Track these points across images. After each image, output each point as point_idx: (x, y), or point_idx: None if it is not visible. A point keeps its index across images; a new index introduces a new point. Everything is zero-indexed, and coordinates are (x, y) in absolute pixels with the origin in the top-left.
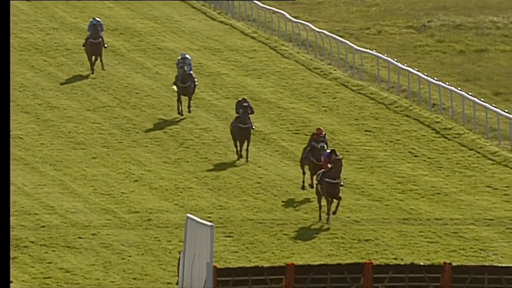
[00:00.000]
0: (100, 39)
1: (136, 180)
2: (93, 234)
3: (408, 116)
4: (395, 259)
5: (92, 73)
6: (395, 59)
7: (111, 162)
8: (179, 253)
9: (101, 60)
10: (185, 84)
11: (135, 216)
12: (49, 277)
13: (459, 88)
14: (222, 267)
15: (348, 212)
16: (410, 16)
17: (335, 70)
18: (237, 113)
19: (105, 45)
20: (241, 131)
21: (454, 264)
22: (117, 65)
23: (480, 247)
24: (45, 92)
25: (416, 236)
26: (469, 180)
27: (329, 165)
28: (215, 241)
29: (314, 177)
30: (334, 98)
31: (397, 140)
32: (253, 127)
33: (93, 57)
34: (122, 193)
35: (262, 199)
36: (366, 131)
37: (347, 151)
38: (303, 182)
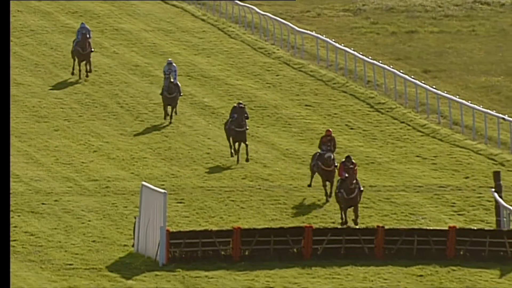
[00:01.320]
0: (88, 48)
1: (95, 151)
2: (55, 200)
3: (345, 92)
4: (333, 223)
5: (73, 74)
6: (333, 40)
7: (72, 134)
8: (135, 218)
9: (90, 65)
10: (171, 95)
11: (94, 184)
12: (14, 240)
13: (391, 66)
14: (174, 230)
15: (290, 180)
16: (347, 0)
17: (278, 49)
18: (231, 117)
19: (92, 49)
20: (235, 134)
21: (386, 227)
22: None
23: (410, 212)
24: (12, 70)
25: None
26: (400, 150)
27: (346, 174)
28: (168, 207)
29: (328, 183)
30: (277, 75)
31: (335, 114)
32: (247, 128)
33: (82, 63)
34: (82, 162)
35: (211, 168)
36: (306, 105)
37: (289, 124)
38: (311, 180)
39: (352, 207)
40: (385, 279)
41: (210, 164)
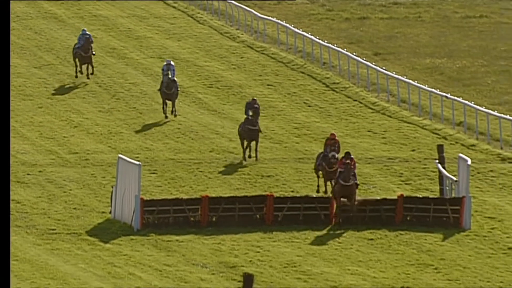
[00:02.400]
0: (90, 51)
1: (75, 126)
2: (40, 171)
3: (303, 72)
4: (292, 191)
5: (77, 76)
6: (292, 25)
7: (54, 111)
8: (112, 187)
9: (92, 67)
10: (170, 91)
11: (75, 156)
12: None
13: (345, 49)
14: (148, 198)
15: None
16: None
17: (242, 34)
18: (246, 114)
19: (94, 53)
20: (249, 133)
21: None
22: (59, 30)
23: (362, 182)
24: None
25: (310, 173)
26: (353, 126)
27: (341, 170)
28: (142, 177)
29: (328, 182)
30: (241, 57)
31: (294, 92)
32: (261, 130)
33: (84, 66)
34: (64, 137)
35: (182, 142)
36: (268, 85)
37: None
38: (318, 186)
39: (347, 197)
40: (340, 243)
41: (181, 138)
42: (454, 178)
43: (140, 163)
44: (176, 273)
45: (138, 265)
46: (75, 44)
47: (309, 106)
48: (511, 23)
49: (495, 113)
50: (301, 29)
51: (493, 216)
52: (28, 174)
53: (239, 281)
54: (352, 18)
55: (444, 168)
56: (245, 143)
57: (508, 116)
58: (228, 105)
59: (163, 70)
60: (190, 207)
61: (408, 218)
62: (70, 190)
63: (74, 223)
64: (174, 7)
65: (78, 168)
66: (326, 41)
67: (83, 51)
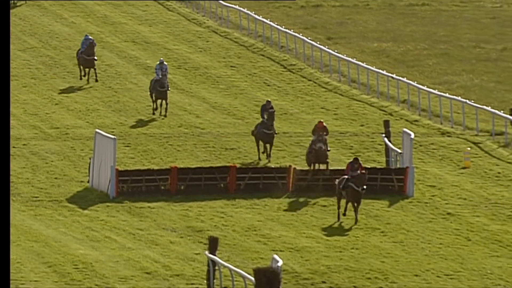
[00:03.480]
0: (92, 56)
1: (56, 104)
2: (24, 144)
3: (263, 55)
4: (252, 163)
5: (82, 79)
6: (253, 12)
7: (37, 90)
8: (90, 159)
9: (95, 72)
10: (163, 89)
11: (56, 131)
12: None
13: (301, 34)
14: (122, 169)
15: (218, 128)
16: None
17: (207, 20)
18: (262, 117)
19: (96, 58)
20: (265, 136)
21: (296, 167)
22: (42, 16)
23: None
24: None
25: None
26: (308, 103)
27: (351, 172)
28: (117, 150)
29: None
30: (207, 41)
31: (255, 73)
32: (276, 132)
33: (87, 69)
34: (46, 113)
35: (153, 118)
36: (231, 66)
37: (217, 82)
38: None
39: (356, 202)
40: (296, 209)
41: (152, 115)
42: (399, 151)
43: (115, 137)
44: (148, 236)
45: (113, 229)
46: (79, 50)
47: (268, 85)
48: (449, 11)
49: (436, 91)
50: (261, 16)
51: (434, 184)
52: (13, 147)
53: (205, 244)
54: (307, 6)
55: (390, 141)
56: (261, 145)
57: (447, 95)
58: (195, 84)
59: (156, 69)
60: (161, 177)
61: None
62: (52, 161)
63: (55, 191)
64: None
65: (59, 142)
66: (283, 27)
67: (86, 55)
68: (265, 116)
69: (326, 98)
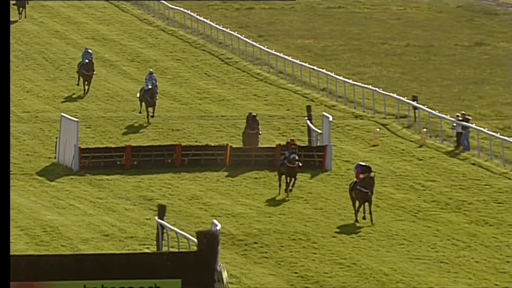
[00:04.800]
0: (91, 71)
1: (28, 91)
2: None
3: (203, 50)
4: (196, 141)
5: (78, 84)
6: (195, 13)
7: (11, 80)
8: (56, 138)
9: (89, 84)
10: (153, 100)
11: (28, 114)
12: None
13: (236, 32)
14: (84, 147)
15: (166, 112)
16: None
17: (157, 20)
18: (247, 123)
19: (94, 72)
20: (250, 137)
21: (233, 146)
22: (15, 16)
23: None
24: None
25: (209, 127)
26: (242, 91)
27: (361, 176)
28: (80, 131)
29: (291, 179)
30: (156, 38)
31: (197, 65)
32: (260, 132)
33: (85, 83)
34: (19, 99)
35: (110, 104)
36: (177, 59)
37: (165, 73)
38: (282, 184)
39: (367, 202)
40: (232, 181)
41: (109, 100)
42: (319, 131)
43: (78, 120)
44: (106, 204)
45: (76, 198)
46: (79, 63)
47: (209, 76)
48: (361, 12)
49: (350, 81)
50: (202, 17)
51: (349, 160)
52: None
53: (155, 211)
54: (241, 8)
55: (311, 123)
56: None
57: (359, 84)
58: (146, 74)
59: (146, 80)
60: (117, 154)
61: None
62: (24, 140)
63: (27, 166)
64: None
65: (30, 124)
66: (221, 26)
67: (85, 70)
68: (250, 121)
69: (257, 87)
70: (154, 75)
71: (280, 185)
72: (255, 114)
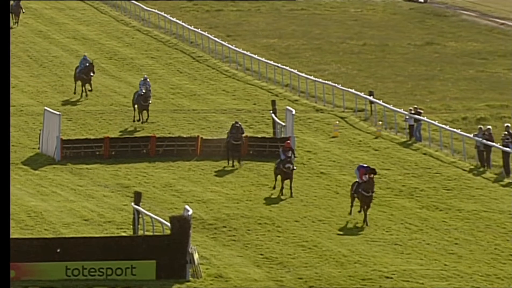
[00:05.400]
0: (90, 75)
1: (13, 87)
2: None
3: (176, 49)
4: (169, 133)
5: (75, 93)
6: (169, 15)
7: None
8: (40, 130)
9: (90, 86)
10: (146, 103)
11: (13, 108)
12: None
13: (206, 32)
14: (65, 138)
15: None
16: None
17: (133, 21)
18: (230, 133)
19: (92, 75)
20: (234, 147)
21: (203, 137)
22: None
23: (219, 126)
24: None
25: (181, 120)
26: (212, 86)
27: (364, 178)
28: (61, 123)
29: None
30: (132, 38)
31: (170, 63)
32: (243, 140)
33: (85, 85)
34: None
35: (90, 98)
36: (151, 57)
37: (141, 70)
38: (275, 186)
39: (366, 206)
40: (202, 169)
41: (90, 95)
42: (283, 123)
43: (60, 113)
44: (86, 191)
45: (58, 186)
46: (77, 67)
47: (181, 72)
48: (322, 14)
49: (312, 77)
50: (174, 18)
51: (310, 150)
52: None
53: (131, 197)
54: (211, 10)
55: (276, 116)
56: (230, 154)
57: (320, 80)
58: (123, 72)
59: (140, 85)
60: (96, 145)
61: (251, 152)
62: (10, 132)
63: (12, 156)
64: (84, 2)
65: (15, 117)
66: (192, 26)
67: (84, 74)
68: (234, 131)
69: (226, 83)
70: (148, 80)
71: (275, 180)
72: (239, 124)
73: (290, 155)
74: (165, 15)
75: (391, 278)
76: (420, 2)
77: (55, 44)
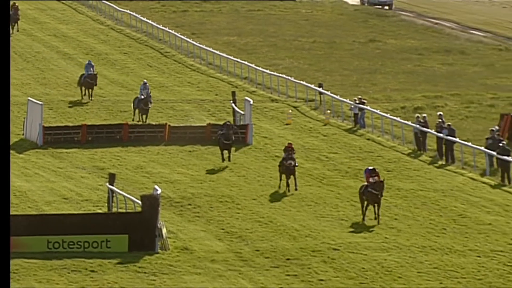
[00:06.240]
0: (94, 80)
1: None
2: None
3: (146, 45)
4: (138, 121)
5: (83, 98)
6: (139, 15)
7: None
8: (24, 118)
9: (92, 91)
10: (146, 107)
11: None
12: None
13: (173, 31)
14: (47, 125)
15: (115, 96)
16: None
17: (107, 20)
18: (221, 131)
19: (96, 84)
20: (225, 145)
21: (171, 124)
22: None
23: (185, 114)
24: None
25: (151, 109)
26: (179, 79)
27: (371, 180)
28: (43, 112)
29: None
30: (107, 36)
31: (141, 58)
32: (233, 138)
33: (89, 90)
34: None
35: (69, 89)
36: (124, 53)
37: (114, 64)
38: (280, 184)
39: (376, 204)
40: (170, 153)
41: (68, 87)
42: (242, 112)
43: (42, 103)
44: (65, 173)
45: (41, 168)
46: (82, 74)
47: (151, 66)
48: (277, 14)
49: (267, 71)
50: (145, 18)
51: (266, 136)
52: None
53: (106, 178)
54: (177, 11)
55: (236, 106)
56: (222, 152)
57: (275, 73)
58: (98, 66)
59: (140, 89)
60: (75, 131)
61: (214, 138)
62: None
63: None
64: (63, 3)
65: None
66: (161, 25)
67: (89, 79)
68: (224, 129)
69: (191, 76)
70: (148, 85)
71: (280, 180)
72: (230, 123)
73: (292, 154)
74: (136, 15)
75: (338, 249)
76: (386, 9)
77: (38, 41)
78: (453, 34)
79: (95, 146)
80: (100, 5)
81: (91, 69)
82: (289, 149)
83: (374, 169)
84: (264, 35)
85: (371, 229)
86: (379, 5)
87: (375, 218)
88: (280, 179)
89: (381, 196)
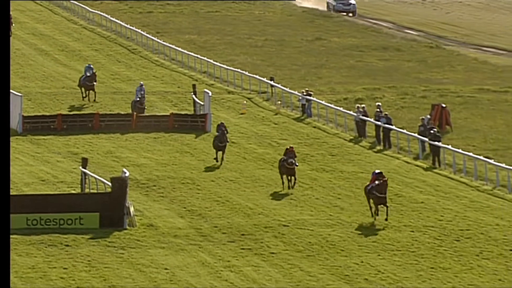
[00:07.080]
0: (94, 82)
1: None
2: None
3: (116, 43)
4: (110, 111)
5: (83, 99)
6: (109, 15)
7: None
8: None
9: (94, 93)
10: (142, 106)
11: None
12: None
13: (140, 30)
14: (26, 115)
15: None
16: None
17: (81, 20)
18: (217, 132)
19: (95, 83)
20: (219, 147)
21: (138, 114)
22: None
23: (150, 105)
24: None
25: (120, 100)
26: (145, 73)
27: (376, 182)
28: (23, 103)
29: (291, 177)
30: (80, 34)
31: (110, 54)
32: (228, 141)
33: (88, 92)
34: None
35: (46, 82)
36: (95, 50)
37: (87, 60)
38: (283, 183)
39: (382, 204)
40: (137, 140)
41: (46, 80)
42: (202, 103)
43: (21, 95)
44: (42, 157)
45: (20, 153)
46: (82, 76)
47: (119, 62)
48: (233, 15)
49: (224, 66)
50: (114, 18)
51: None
52: None
53: (79, 162)
54: (143, 12)
55: (196, 97)
56: (216, 153)
57: (231, 68)
58: (72, 61)
59: (136, 91)
60: (51, 120)
61: (176, 126)
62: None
63: None
64: (40, 5)
65: None
66: (128, 25)
67: (88, 81)
68: (219, 132)
69: (156, 70)
70: (144, 87)
71: (283, 182)
72: (223, 122)
73: (293, 157)
74: (106, 15)
75: (288, 226)
76: (350, 16)
77: (17, 39)
78: (390, 33)
79: (69, 133)
80: (73, 7)
81: (90, 71)
82: (290, 153)
83: (381, 172)
84: (222, 34)
85: (317, 208)
86: (343, 12)
87: (386, 220)
88: (282, 180)
89: (386, 196)
